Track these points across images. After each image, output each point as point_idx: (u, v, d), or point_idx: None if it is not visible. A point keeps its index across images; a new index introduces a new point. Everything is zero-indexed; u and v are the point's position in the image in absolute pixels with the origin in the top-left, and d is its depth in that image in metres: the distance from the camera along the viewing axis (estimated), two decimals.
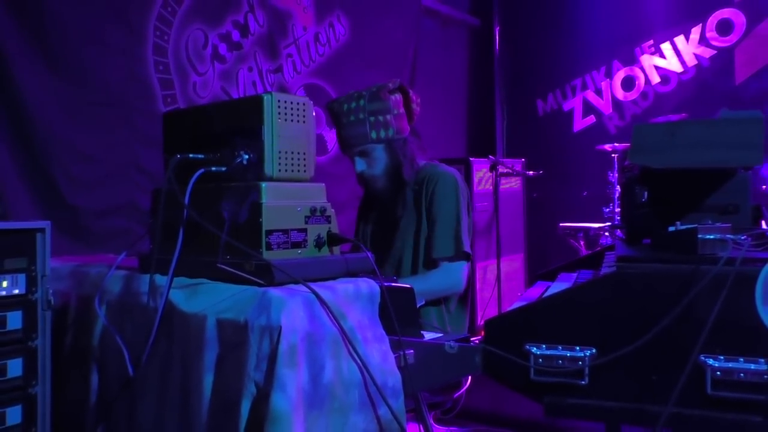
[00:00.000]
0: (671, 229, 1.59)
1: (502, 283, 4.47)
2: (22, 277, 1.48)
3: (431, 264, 2.19)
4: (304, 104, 1.40)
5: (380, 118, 2.15)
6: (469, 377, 2.11)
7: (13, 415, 1.45)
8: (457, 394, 2.14)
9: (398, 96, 2.18)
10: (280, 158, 1.35)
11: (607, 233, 4.37)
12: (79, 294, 1.61)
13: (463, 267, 2.19)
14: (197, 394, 1.23)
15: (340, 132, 2.21)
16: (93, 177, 3.02)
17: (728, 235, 1.48)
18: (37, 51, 2.80)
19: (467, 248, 2.19)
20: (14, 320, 1.46)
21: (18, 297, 1.47)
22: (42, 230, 1.50)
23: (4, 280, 1.44)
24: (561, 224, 4.89)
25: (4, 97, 2.70)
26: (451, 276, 2.17)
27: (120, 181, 3.14)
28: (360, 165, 2.22)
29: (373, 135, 2.15)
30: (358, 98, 2.15)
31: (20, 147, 2.75)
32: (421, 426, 1.59)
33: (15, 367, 1.46)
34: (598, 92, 5.67)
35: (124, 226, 3.11)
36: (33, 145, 2.79)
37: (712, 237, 1.46)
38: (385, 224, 2.32)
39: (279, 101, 1.35)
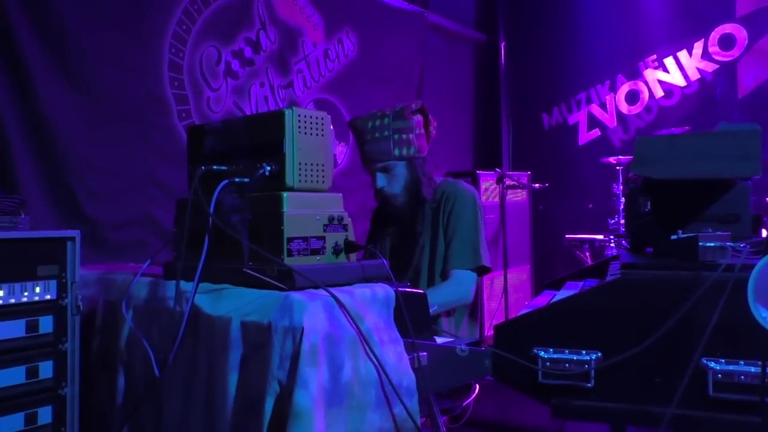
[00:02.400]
0: (673, 237, 1.65)
1: (509, 295, 4.52)
2: (53, 284, 1.56)
3: (444, 275, 2.25)
4: (322, 119, 1.48)
5: (404, 136, 2.22)
6: (477, 386, 2.16)
7: (44, 414, 1.52)
8: (466, 402, 2.19)
9: (419, 117, 2.27)
10: (300, 169, 1.43)
11: (612, 244, 4.42)
12: (106, 300, 1.68)
13: (473, 278, 2.26)
14: (222, 393, 1.30)
15: (363, 147, 2.28)
16: (111, 190, 3.10)
17: (728, 243, 1.54)
18: (59, 70, 2.90)
19: (486, 261, 2.25)
20: (46, 324, 1.54)
21: (49, 302, 1.55)
22: (72, 239, 1.59)
23: (37, 286, 1.52)
24: (567, 236, 4.95)
25: (29, 114, 2.80)
26: (460, 285, 2.23)
27: (136, 194, 3.22)
28: (381, 181, 2.27)
29: (396, 152, 2.22)
30: (382, 116, 2.23)
31: (43, 162, 2.84)
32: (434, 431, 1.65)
33: (46, 369, 1.53)
34: (603, 106, 5.75)
35: (141, 238, 3.19)
36: (54, 160, 2.88)
37: (712, 245, 1.52)
38: (405, 240, 2.37)
39: (299, 116, 1.43)
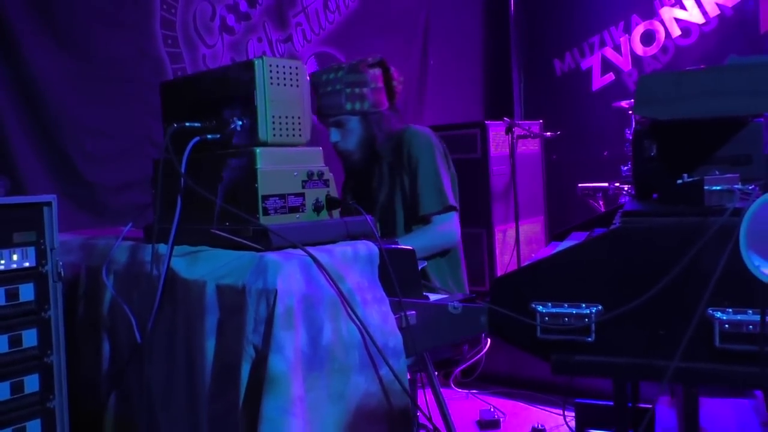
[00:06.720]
0: (678, 182, 1.55)
1: (523, 247, 4.43)
2: (31, 250, 1.51)
3: (420, 221, 2.20)
4: (297, 68, 1.39)
5: (356, 90, 2.17)
6: (489, 341, 2.11)
7: (31, 383, 1.50)
8: (476, 358, 2.14)
9: (377, 71, 2.21)
10: (274, 123, 1.35)
11: (626, 191, 4.29)
12: (88, 265, 1.65)
13: (453, 218, 2.21)
14: (201, 359, 1.26)
15: (318, 102, 2.23)
16: (108, 153, 3.05)
17: (736, 186, 1.44)
18: (46, 29, 2.80)
19: (452, 201, 2.20)
20: (26, 292, 1.50)
21: (29, 270, 1.51)
22: (49, 204, 1.53)
23: (14, 253, 1.48)
24: (580, 185, 4.82)
25: (16, 76, 2.72)
26: (443, 229, 2.18)
27: (134, 156, 3.16)
28: (335, 136, 2.24)
29: (348, 106, 2.18)
30: (337, 70, 2.19)
31: (34, 126, 2.77)
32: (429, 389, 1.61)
33: (30, 338, 1.50)
34: (617, 49, 5.52)
35: (141, 201, 3.14)
36: (47, 124, 2.81)
37: (718, 188, 1.42)
38: (362, 197, 2.33)
39: (271, 65, 1.34)
